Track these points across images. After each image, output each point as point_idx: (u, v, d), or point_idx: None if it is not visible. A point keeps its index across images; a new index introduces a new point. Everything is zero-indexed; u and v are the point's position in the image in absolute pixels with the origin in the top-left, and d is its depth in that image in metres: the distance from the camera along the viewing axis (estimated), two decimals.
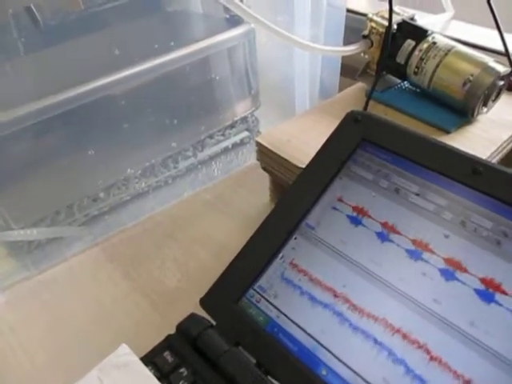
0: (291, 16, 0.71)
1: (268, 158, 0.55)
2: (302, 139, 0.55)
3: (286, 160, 0.51)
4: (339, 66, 0.75)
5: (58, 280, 0.55)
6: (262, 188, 0.68)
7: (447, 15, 0.87)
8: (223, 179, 0.72)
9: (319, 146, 0.44)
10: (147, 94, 0.61)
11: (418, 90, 0.62)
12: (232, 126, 0.75)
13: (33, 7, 0.60)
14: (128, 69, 0.57)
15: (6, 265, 0.57)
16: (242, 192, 0.70)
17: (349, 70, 0.78)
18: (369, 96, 0.59)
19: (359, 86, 0.70)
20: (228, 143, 0.76)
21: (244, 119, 0.76)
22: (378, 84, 0.59)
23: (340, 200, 0.41)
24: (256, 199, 0.68)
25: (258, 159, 0.58)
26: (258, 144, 0.55)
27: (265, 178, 0.63)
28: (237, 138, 0.77)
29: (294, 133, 0.56)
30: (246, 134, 0.78)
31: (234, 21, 0.70)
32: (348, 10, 0.73)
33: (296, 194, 0.43)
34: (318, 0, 0.67)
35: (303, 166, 0.49)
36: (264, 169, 0.59)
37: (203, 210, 0.67)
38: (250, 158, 0.77)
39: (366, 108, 0.58)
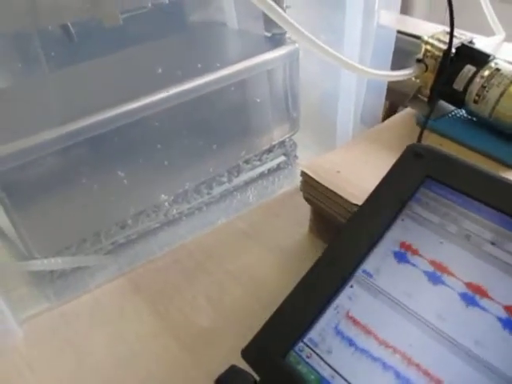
0: (337, 35, 0.68)
1: (313, 190, 0.52)
2: (352, 171, 0.51)
3: (336, 194, 0.47)
4: (385, 89, 0.72)
5: (80, 314, 0.52)
6: (299, 217, 0.65)
7: (498, 38, 0.84)
8: (258, 206, 0.69)
9: (371, 179, 0.40)
10: (182, 116, 0.59)
11: (475, 119, 0.59)
12: (269, 151, 0.72)
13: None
14: (163, 90, 0.55)
15: (26, 295, 0.54)
16: (278, 221, 0.67)
17: (393, 94, 0.74)
18: (423, 125, 0.55)
19: (408, 113, 0.67)
20: (264, 168, 0.73)
21: (282, 143, 0.73)
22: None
23: (403, 245, 0.37)
24: (293, 229, 0.65)
25: (301, 189, 0.55)
26: (304, 174, 0.52)
27: (303, 206, 0.60)
28: (273, 163, 0.74)
29: (343, 163, 0.53)
30: (282, 158, 0.75)
31: (275, 40, 0.67)
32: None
33: (351, 236, 0.39)
34: (369, 19, 0.63)
35: (357, 202, 0.45)
36: (307, 199, 0.55)
37: (237, 240, 0.64)
38: (286, 183, 0.74)
39: (420, 139, 0.54)
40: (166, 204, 0.62)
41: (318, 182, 0.50)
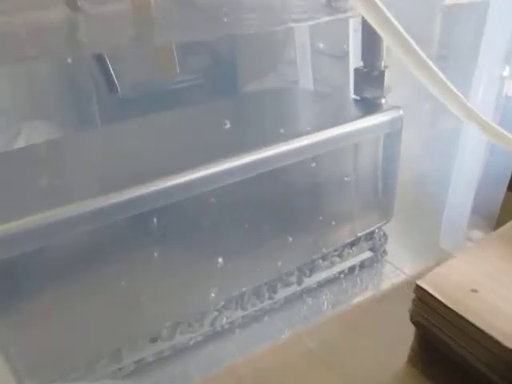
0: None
1: (433, 315, 0.36)
2: (496, 290, 0.35)
3: (479, 330, 0.31)
4: (509, 175, 0.57)
5: None
6: (392, 336, 0.49)
7: None
8: (334, 317, 0.54)
9: None
10: (244, 194, 0.46)
11: None
12: (353, 244, 0.57)
13: (112, 74, 0.49)
14: (223, 161, 0.42)
15: None
16: (361, 341, 0.51)
17: None
18: None
19: None
20: (344, 266, 0.58)
21: (369, 235, 0.58)
22: None
23: None
24: (383, 355, 0.48)
25: (410, 311, 0.39)
26: (419, 290, 0.36)
27: (397, 322, 0.44)
28: (356, 260, 0.59)
29: (479, 277, 0.37)
30: (368, 254, 0.60)
31: (368, 104, 0.55)
32: None
33: None
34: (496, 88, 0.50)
35: None
36: (417, 324, 0.39)
37: (305, 364, 0.48)
38: (371, 286, 0.59)
39: None
40: (215, 310, 0.47)
41: (445, 306, 0.34)
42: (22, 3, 0.36)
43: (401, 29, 0.33)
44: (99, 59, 0.48)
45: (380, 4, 0.32)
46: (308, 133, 0.48)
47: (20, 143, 0.72)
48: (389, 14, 0.32)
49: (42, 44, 0.36)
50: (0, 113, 0.74)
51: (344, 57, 0.78)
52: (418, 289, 0.37)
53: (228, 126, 0.50)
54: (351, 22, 0.70)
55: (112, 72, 0.50)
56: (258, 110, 0.61)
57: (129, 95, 0.75)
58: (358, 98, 0.58)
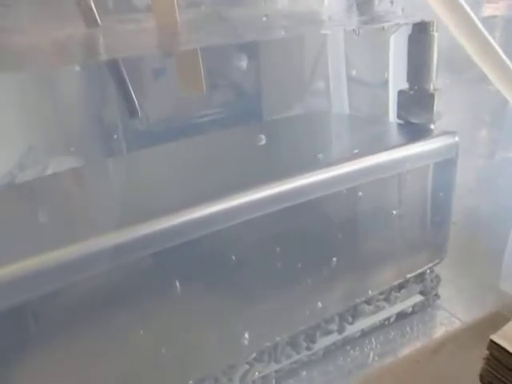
0: None
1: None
2: None
3: None
4: None
5: None
6: None
7: None
8: (381, 372, 0.48)
9: None
10: (275, 226, 0.41)
11: None
12: (401, 287, 0.51)
13: (134, 97, 0.46)
14: (252, 191, 0.38)
15: None
16: None
17: None
18: None
19: None
20: (391, 312, 0.52)
21: (419, 277, 0.53)
22: None
23: None
24: None
25: (483, 373, 0.33)
26: (494, 347, 0.30)
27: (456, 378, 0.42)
28: (405, 305, 0.53)
29: None
30: (418, 298, 0.54)
31: (416, 130, 0.50)
32: None
33: None
34: None
35: None
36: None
37: None
38: (421, 335, 0.53)
39: None
40: (245, 363, 0.42)
41: None
42: (42, 20, 0.34)
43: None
44: (120, 81, 0.45)
45: None
46: (350, 159, 0.43)
47: None
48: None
49: (64, 57, 0.34)
50: (27, 148, 0.74)
51: (383, 81, 0.74)
52: (493, 345, 0.32)
53: (260, 152, 0.46)
54: (392, 42, 0.66)
55: (133, 95, 0.46)
56: (293, 134, 0.57)
57: (154, 129, 0.74)
58: (403, 122, 0.53)
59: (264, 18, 0.37)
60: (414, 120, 0.52)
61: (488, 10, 0.53)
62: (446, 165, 0.48)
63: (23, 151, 0.74)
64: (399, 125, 0.53)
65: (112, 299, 0.34)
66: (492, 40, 0.34)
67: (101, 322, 0.34)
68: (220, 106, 0.80)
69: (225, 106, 0.81)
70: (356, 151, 0.44)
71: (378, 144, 0.48)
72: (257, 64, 0.79)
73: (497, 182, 0.58)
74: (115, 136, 0.76)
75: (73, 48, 0.33)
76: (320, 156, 0.44)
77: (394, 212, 0.47)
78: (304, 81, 0.85)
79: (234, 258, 0.39)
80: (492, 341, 0.32)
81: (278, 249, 0.41)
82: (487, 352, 0.33)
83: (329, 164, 0.42)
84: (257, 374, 0.43)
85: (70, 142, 0.75)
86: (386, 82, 0.74)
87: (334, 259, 0.44)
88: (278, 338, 0.43)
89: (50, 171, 0.72)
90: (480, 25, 0.33)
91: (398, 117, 0.54)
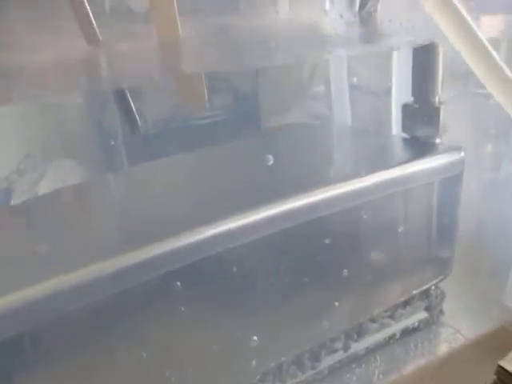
0: None
1: None
2: None
3: None
4: None
5: None
6: None
7: None
8: None
9: None
10: (282, 247, 0.41)
11: None
12: (406, 304, 0.52)
13: (135, 113, 0.46)
14: (260, 210, 0.38)
15: None
16: None
17: None
18: None
19: None
20: (396, 329, 0.52)
21: (424, 293, 0.53)
22: None
23: None
24: None
25: None
26: (502, 372, 0.31)
27: None
28: (409, 322, 0.53)
29: None
30: (423, 315, 0.54)
31: (421, 145, 0.50)
32: None
33: None
34: None
35: None
36: None
37: None
38: (426, 352, 0.53)
39: None
40: None
41: None
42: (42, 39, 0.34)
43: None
44: (121, 97, 0.46)
45: None
46: (354, 177, 0.43)
47: (44, 184, 0.71)
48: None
49: (64, 79, 0.34)
50: (25, 154, 0.74)
51: (386, 92, 0.75)
52: (501, 370, 0.32)
53: (257, 168, 0.47)
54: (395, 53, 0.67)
55: (134, 111, 0.47)
56: (295, 147, 0.57)
57: (152, 131, 0.74)
58: (408, 136, 0.53)
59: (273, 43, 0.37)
60: (419, 134, 0.52)
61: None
62: (451, 180, 0.48)
63: (21, 158, 0.74)
64: (404, 139, 0.53)
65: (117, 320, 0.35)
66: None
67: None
68: (218, 109, 0.81)
69: (223, 109, 0.81)
70: (360, 170, 0.44)
71: (383, 161, 0.48)
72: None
73: (502, 195, 0.58)
74: (114, 142, 0.76)
75: (74, 75, 0.33)
76: (321, 173, 0.45)
77: (400, 230, 0.48)
78: (303, 86, 0.86)
79: (238, 276, 0.39)
80: (500, 366, 0.32)
81: (282, 268, 0.42)
82: (494, 377, 0.33)
83: (332, 182, 0.42)
84: None
85: (68, 149, 0.76)
86: (388, 90, 0.74)
87: (341, 278, 0.44)
88: (282, 358, 0.43)
89: (47, 177, 0.72)
90: (488, 45, 0.34)
91: (403, 130, 0.54)
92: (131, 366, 0.36)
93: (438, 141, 0.51)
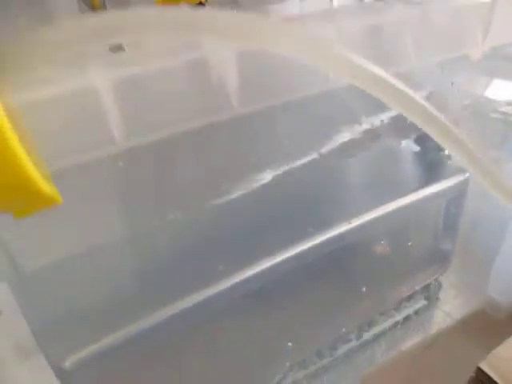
0: None
1: None
2: None
3: None
4: None
5: None
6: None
7: None
8: (384, 366, 0.58)
9: None
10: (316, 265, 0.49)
11: None
12: (410, 298, 0.61)
13: None
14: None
15: None
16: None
17: None
18: None
19: None
20: (399, 317, 0.62)
21: (425, 287, 0.62)
22: None
23: None
24: None
25: None
26: (480, 374, 0.40)
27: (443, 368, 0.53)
28: (410, 310, 0.63)
29: None
30: (423, 303, 0.63)
31: (429, 161, 0.57)
32: None
33: None
34: None
35: None
36: None
37: None
38: (421, 332, 0.62)
39: None
40: (272, 375, 0.51)
41: None
42: None
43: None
44: None
45: None
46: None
47: None
48: None
49: None
50: None
51: None
52: (479, 372, 0.41)
53: None
54: None
55: None
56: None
57: None
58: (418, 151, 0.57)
59: None
60: (429, 151, 0.56)
61: None
62: (454, 200, 0.55)
63: None
64: (414, 156, 0.57)
65: None
66: None
67: None
68: None
69: None
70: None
71: (394, 187, 0.53)
72: None
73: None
74: None
75: None
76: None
77: (408, 241, 0.56)
78: None
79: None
80: (479, 368, 0.41)
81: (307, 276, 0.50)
82: (473, 375, 0.42)
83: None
84: (290, 379, 0.54)
85: None
86: None
87: (359, 285, 0.53)
88: (307, 352, 0.53)
89: None
90: None
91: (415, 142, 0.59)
92: None
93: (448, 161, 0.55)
